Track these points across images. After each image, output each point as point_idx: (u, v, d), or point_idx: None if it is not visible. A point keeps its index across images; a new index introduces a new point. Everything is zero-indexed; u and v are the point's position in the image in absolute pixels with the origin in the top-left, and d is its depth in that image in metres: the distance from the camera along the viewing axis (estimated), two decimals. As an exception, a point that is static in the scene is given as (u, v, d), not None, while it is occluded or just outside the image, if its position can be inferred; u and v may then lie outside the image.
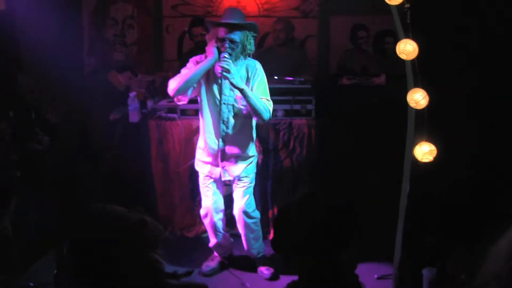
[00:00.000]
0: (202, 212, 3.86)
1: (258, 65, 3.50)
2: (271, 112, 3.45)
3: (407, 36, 2.83)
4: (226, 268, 4.01)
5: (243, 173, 3.65)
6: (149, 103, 4.44)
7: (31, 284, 3.56)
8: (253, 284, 3.81)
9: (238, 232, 4.24)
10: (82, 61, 5.15)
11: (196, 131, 4.27)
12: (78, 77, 5.08)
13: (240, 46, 3.38)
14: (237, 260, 4.11)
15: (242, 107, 3.50)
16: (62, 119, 3.88)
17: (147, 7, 5.01)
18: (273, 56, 4.77)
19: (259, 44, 5.00)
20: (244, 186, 3.69)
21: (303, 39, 4.93)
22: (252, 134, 3.67)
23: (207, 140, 3.60)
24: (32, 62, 4.51)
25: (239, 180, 3.67)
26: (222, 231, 3.90)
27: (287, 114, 4.18)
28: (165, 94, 4.53)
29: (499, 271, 1.14)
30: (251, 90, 3.44)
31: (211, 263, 4.00)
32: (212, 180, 3.71)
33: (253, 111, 3.39)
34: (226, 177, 3.65)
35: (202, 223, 4.41)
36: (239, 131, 3.56)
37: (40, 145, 3.64)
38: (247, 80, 3.47)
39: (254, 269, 3.95)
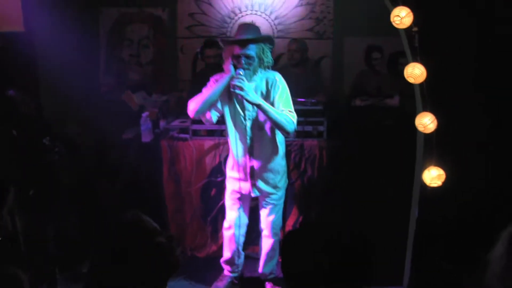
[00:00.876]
0: (225, 224, 3.84)
1: (278, 77, 3.45)
2: (295, 124, 3.38)
3: (415, 60, 2.81)
4: None
5: (272, 189, 3.61)
6: (162, 123, 4.47)
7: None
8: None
9: (250, 253, 4.24)
10: (98, 80, 5.23)
11: (208, 151, 4.29)
12: (94, 96, 5.16)
13: (256, 60, 3.35)
14: (247, 281, 4.08)
15: (264, 121, 3.46)
16: (77, 134, 3.92)
17: (163, 28, 5.08)
18: (287, 76, 4.76)
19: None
20: (273, 202, 3.65)
21: (317, 60, 4.93)
22: (279, 149, 3.60)
23: (234, 156, 3.58)
24: (50, 82, 4.61)
25: (267, 196, 3.64)
26: (240, 247, 3.87)
27: (299, 136, 4.16)
28: (178, 114, 4.59)
29: (498, 269, 1.14)
30: (272, 102, 3.40)
31: (220, 284, 3.96)
32: (240, 195, 3.69)
33: (275, 124, 3.35)
34: (256, 193, 3.63)
35: (213, 244, 4.42)
36: (265, 145, 3.53)
37: (55, 156, 3.68)
38: (268, 93, 3.44)
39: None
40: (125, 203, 4.52)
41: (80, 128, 4.36)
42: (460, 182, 2.84)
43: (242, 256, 3.98)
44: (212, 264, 4.20)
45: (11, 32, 4.09)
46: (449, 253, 3.00)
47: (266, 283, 3.92)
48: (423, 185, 2.90)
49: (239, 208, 3.74)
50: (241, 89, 3.24)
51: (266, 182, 3.59)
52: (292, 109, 3.43)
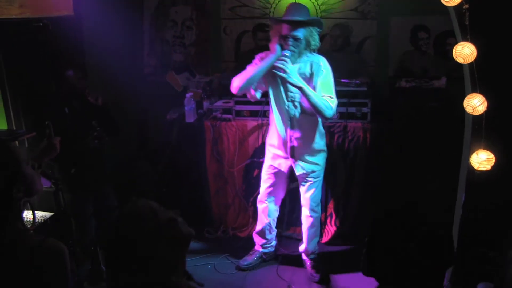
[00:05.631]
0: (259, 197, 3.97)
1: (322, 62, 3.46)
2: (334, 109, 3.39)
3: (465, 39, 2.72)
4: (264, 264, 4.10)
5: (312, 167, 3.68)
6: (205, 104, 4.51)
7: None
8: (300, 285, 3.83)
9: (291, 234, 4.28)
10: (142, 62, 5.30)
11: (251, 132, 4.32)
12: (139, 77, 5.24)
13: (304, 42, 3.36)
14: (286, 259, 4.13)
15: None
16: (107, 102, 3.99)
17: (206, 9, 5.07)
18: (329, 59, 4.70)
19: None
20: (311, 180, 3.72)
21: (361, 40, 4.82)
22: (320, 129, 3.66)
23: (277, 134, 3.67)
24: (96, 63, 4.70)
25: (307, 174, 3.70)
26: (272, 222, 3.99)
27: (342, 117, 4.12)
28: (221, 95, 4.61)
29: None
30: (315, 86, 3.41)
31: (249, 258, 4.09)
32: (277, 170, 3.77)
33: (314, 108, 3.36)
34: (300, 171, 3.69)
35: (255, 224, 4.46)
36: (307, 126, 3.58)
37: (98, 142, 3.77)
38: (311, 76, 3.45)
39: (302, 269, 3.99)
40: (169, 183, 4.61)
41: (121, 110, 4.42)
42: (510, 166, 2.74)
43: (274, 233, 4.10)
44: (254, 244, 4.25)
45: (61, 16, 4.18)
46: (495, 240, 2.92)
47: (306, 261, 3.96)
48: (471, 169, 2.82)
49: (273, 183, 3.84)
50: (284, 71, 3.24)
51: (306, 160, 3.66)
52: (334, 95, 3.43)
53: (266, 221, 3.98)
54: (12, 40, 4.05)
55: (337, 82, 4.20)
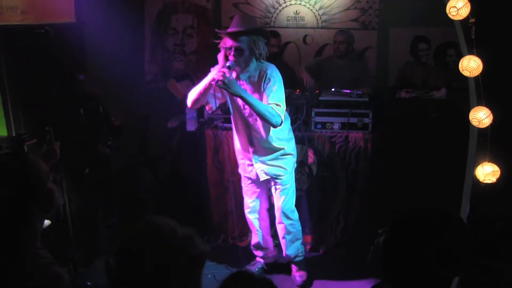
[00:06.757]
0: (245, 210, 3.99)
1: (270, 70, 3.47)
2: (280, 117, 3.38)
3: (471, 52, 2.74)
4: (265, 274, 4.04)
5: (277, 172, 3.69)
6: (206, 113, 4.50)
7: (89, 283, 3.67)
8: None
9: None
10: (143, 69, 5.30)
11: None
12: (139, 84, 5.24)
13: (247, 52, 3.39)
14: (286, 269, 4.12)
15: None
16: (124, 124, 4.00)
17: (207, 17, 5.09)
18: (332, 67, 4.73)
19: (317, 53, 4.98)
20: (280, 186, 3.74)
21: (361, 51, 4.86)
22: (281, 135, 3.66)
23: (239, 142, 3.72)
24: (97, 70, 4.70)
25: (275, 180, 3.73)
26: (260, 230, 3.99)
27: (343, 127, 4.14)
28: (222, 104, 4.61)
29: None
30: (262, 95, 3.44)
31: (251, 268, 4.09)
32: (251, 181, 3.80)
33: (259, 116, 3.40)
34: (263, 177, 3.71)
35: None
36: (264, 131, 3.59)
37: (108, 149, 3.78)
38: (259, 84, 3.48)
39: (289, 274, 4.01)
40: (169, 191, 4.60)
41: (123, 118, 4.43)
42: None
43: (270, 242, 4.10)
44: (253, 253, 4.25)
45: (63, 23, 4.18)
46: (500, 252, 2.94)
47: (292, 265, 3.98)
48: (476, 181, 2.84)
49: (253, 193, 3.87)
50: (222, 82, 3.26)
51: (270, 165, 3.68)
52: (281, 103, 3.43)
53: (257, 233, 4.00)
54: (14, 46, 4.03)
55: (338, 92, 4.25)
